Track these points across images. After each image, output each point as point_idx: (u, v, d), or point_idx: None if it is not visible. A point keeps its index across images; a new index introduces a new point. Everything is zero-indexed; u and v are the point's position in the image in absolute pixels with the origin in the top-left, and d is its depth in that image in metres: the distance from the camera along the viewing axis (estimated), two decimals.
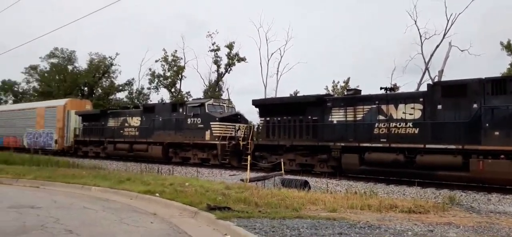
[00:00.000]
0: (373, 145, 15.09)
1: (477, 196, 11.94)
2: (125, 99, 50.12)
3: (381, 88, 16.64)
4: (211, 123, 20.90)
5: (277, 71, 41.14)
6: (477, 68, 45.66)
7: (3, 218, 6.65)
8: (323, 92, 39.92)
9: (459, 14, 31.75)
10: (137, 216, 7.94)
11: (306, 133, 17.52)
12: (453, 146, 13.25)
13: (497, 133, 12.51)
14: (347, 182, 14.71)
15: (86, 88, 50.21)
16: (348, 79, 42.42)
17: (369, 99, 15.96)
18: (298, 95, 39.83)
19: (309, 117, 17.50)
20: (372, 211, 8.27)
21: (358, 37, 63.31)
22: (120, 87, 50.45)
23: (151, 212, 8.42)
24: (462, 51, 31.70)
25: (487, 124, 12.73)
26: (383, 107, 15.33)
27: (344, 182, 14.74)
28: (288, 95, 35.13)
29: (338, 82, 43.36)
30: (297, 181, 13.30)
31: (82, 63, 53.43)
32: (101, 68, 49.40)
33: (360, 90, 17.57)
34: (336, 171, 16.18)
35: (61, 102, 32.60)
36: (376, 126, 15.34)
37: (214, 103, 22.29)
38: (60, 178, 14.01)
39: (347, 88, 30.90)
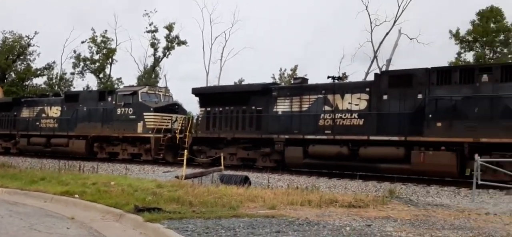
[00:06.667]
0: (318, 137, 15.56)
1: (416, 188, 12.89)
2: (43, 86, 47.59)
3: (328, 77, 16.89)
4: (144, 113, 20.45)
5: (221, 56, 40.98)
6: (426, 57, 48.48)
7: None
8: (270, 80, 40.28)
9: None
10: (51, 221, 7.65)
11: (249, 125, 17.66)
12: (396, 138, 14.06)
13: (439, 124, 13.38)
14: (289, 176, 15.08)
15: None
16: (296, 67, 43.15)
17: (315, 88, 16.40)
18: (243, 83, 39.98)
19: (253, 107, 17.64)
20: (312, 206, 8.63)
21: (309, 22, 64.73)
22: (38, 72, 47.69)
23: (69, 216, 8.16)
24: (411, 39, 33.36)
25: (430, 115, 13.56)
26: (329, 97, 15.80)
27: (287, 177, 15.11)
28: (233, 84, 35.14)
29: (285, 70, 43.86)
30: (237, 177, 13.52)
31: None
32: (16, 49, 46.39)
33: (307, 79, 17.92)
34: (279, 166, 16.49)
35: None
36: (321, 117, 15.81)
37: (148, 91, 21.81)
38: None
39: (294, 76, 31.27)
